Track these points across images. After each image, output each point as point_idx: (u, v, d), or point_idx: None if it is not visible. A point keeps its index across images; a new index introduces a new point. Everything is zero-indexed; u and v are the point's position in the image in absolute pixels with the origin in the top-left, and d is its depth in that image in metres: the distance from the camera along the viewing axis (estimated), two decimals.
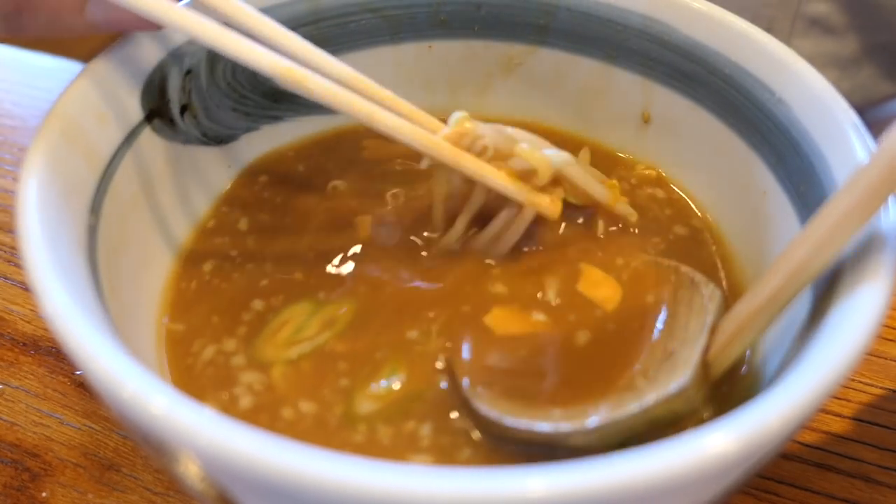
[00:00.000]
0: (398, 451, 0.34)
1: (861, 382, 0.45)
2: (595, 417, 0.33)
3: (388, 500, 0.22)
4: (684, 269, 0.39)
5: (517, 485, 0.22)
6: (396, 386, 0.36)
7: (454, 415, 0.35)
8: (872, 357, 0.46)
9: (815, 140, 0.36)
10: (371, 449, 0.34)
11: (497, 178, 0.39)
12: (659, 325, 0.37)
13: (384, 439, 0.34)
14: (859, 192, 0.29)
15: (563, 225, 0.42)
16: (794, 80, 0.38)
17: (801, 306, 0.33)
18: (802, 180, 0.37)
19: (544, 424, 0.33)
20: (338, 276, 0.40)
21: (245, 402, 0.36)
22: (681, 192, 0.46)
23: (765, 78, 0.39)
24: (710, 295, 0.37)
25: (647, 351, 0.36)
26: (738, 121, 0.42)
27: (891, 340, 0.47)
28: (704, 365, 0.34)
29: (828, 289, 0.31)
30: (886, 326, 0.47)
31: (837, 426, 0.43)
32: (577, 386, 0.35)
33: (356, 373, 0.36)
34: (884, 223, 0.30)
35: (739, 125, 0.42)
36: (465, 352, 0.37)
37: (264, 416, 0.35)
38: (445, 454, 0.34)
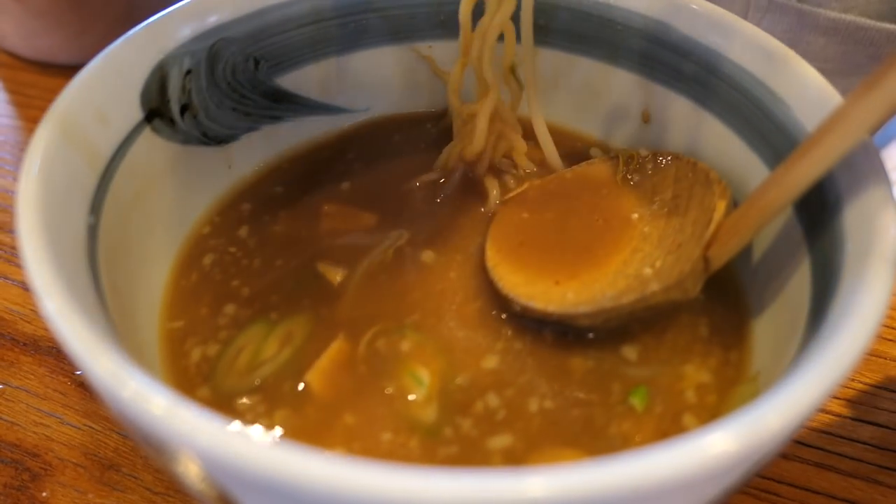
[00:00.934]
0: (483, 438, 0.34)
1: (861, 382, 0.45)
2: (601, 303, 0.36)
3: (387, 500, 0.22)
4: (701, 165, 0.41)
5: (517, 485, 0.22)
6: (427, 381, 0.36)
7: (488, 363, 0.37)
8: (872, 357, 0.46)
9: None
10: (466, 448, 0.34)
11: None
12: (672, 219, 0.40)
13: (472, 433, 0.34)
14: (858, 108, 0.30)
15: None
16: (794, 80, 0.38)
17: (802, 306, 0.33)
18: None
19: (556, 307, 0.37)
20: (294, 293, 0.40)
21: None
22: None
23: (764, 78, 0.39)
24: (721, 192, 0.39)
25: (657, 242, 0.39)
26: (738, 121, 0.41)
27: (891, 340, 0.47)
28: (704, 259, 0.37)
29: (828, 288, 0.31)
30: (886, 326, 0.47)
31: (837, 426, 0.43)
32: (590, 271, 0.38)
33: (380, 391, 0.36)
34: (885, 221, 0.30)
35: (739, 125, 0.42)
36: (490, 249, 0.41)
37: None
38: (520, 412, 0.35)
